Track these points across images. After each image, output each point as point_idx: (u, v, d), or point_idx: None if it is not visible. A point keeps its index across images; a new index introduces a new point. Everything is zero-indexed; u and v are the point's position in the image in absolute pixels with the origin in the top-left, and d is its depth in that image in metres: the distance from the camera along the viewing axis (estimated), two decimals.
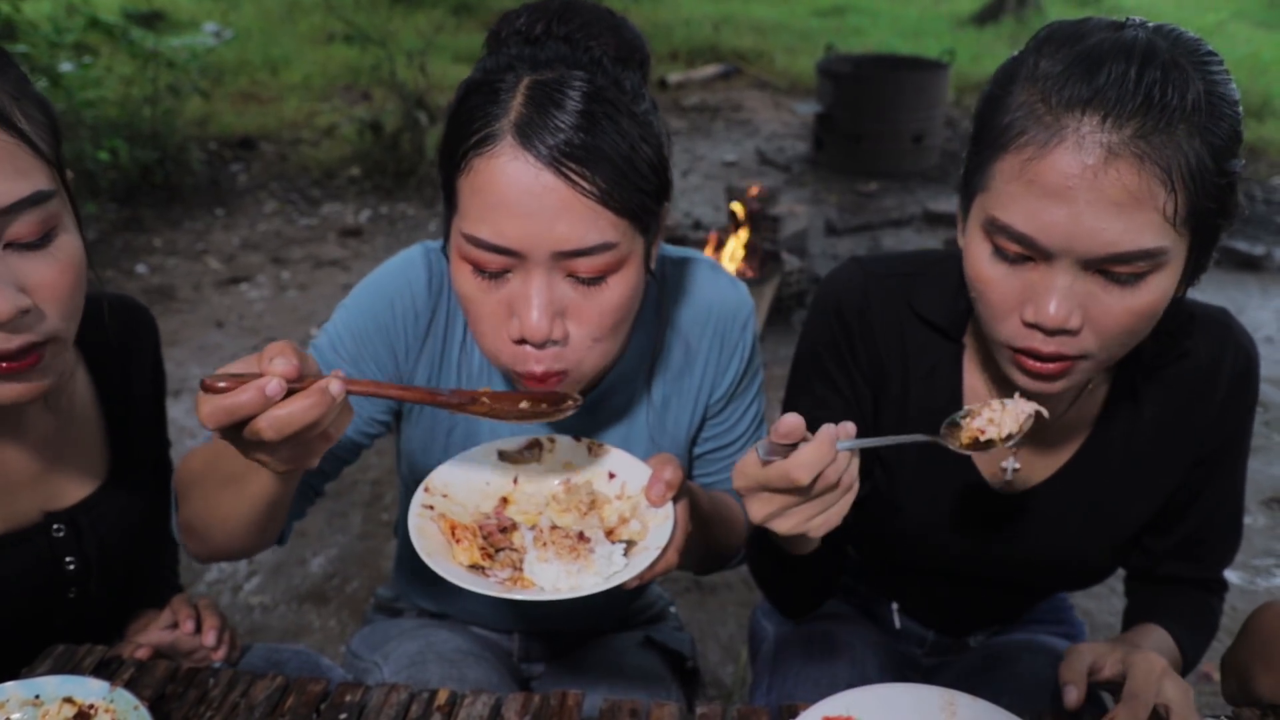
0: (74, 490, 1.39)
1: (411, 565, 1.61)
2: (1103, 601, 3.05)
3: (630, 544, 1.17)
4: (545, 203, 1.09)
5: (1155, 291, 1.05)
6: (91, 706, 1.09)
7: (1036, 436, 1.33)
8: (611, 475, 1.25)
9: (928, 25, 11.62)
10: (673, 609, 1.81)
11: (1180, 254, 1.05)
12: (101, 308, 1.45)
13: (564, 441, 1.27)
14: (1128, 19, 1.07)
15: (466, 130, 1.13)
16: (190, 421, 4.00)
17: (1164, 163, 0.98)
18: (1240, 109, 1.04)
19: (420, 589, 1.64)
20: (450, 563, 1.11)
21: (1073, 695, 1.18)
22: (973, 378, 1.34)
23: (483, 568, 1.13)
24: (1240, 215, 1.08)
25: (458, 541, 1.15)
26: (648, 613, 1.77)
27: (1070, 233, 1.01)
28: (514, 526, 1.20)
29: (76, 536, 1.38)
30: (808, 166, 7.39)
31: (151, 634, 1.43)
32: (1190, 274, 1.09)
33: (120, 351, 1.47)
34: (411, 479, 1.46)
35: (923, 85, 7.02)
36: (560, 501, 1.24)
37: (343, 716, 1.18)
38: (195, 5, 10.82)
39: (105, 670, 1.25)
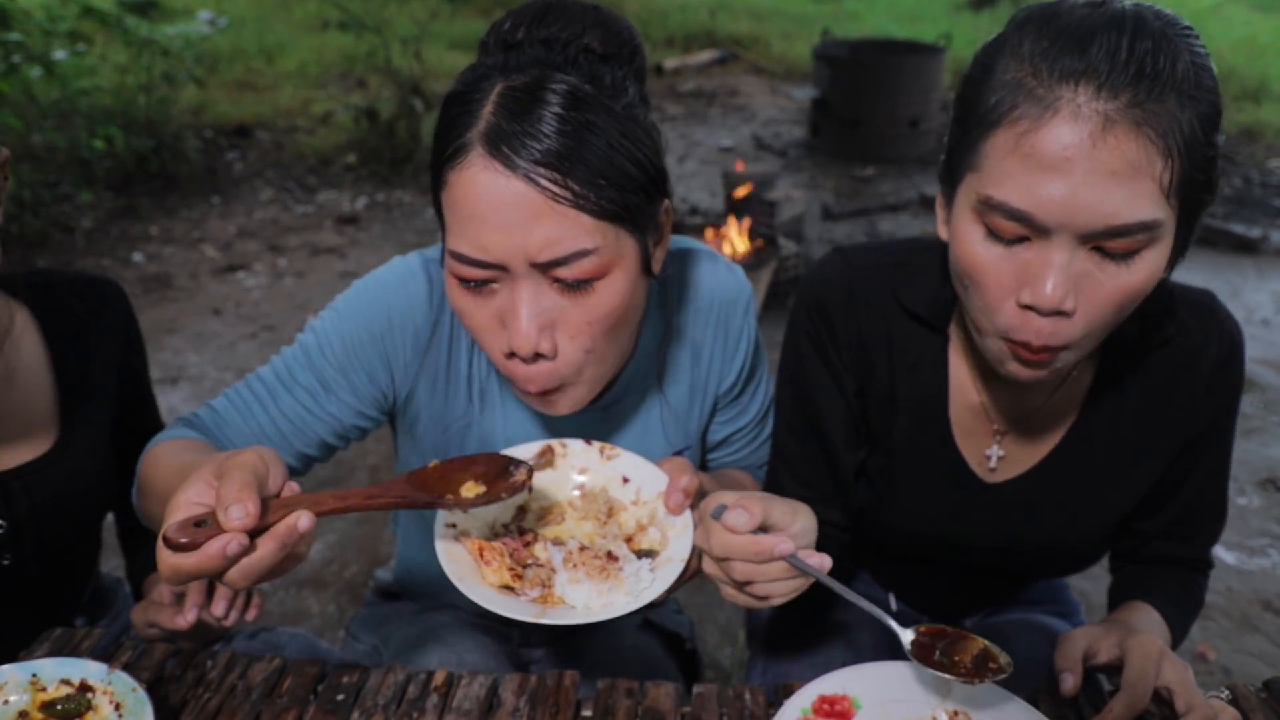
0: (10, 455, 1.41)
1: (413, 564, 1.61)
2: (1099, 582, 3.04)
3: (651, 553, 1.19)
4: (518, 212, 1.06)
5: (1148, 269, 1.04)
6: (89, 688, 1.09)
7: (1021, 425, 1.33)
8: (625, 480, 1.26)
9: (924, 10, 11.59)
10: None
11: (1171, 229, 1.04)
12: (66, 283, 1.49)
13: (575, 446, 1.28)
14: None
15: (442, 145, 1.12)
16: (187, 409, 3.98)
17: (1161, 129, 0.97)
18: (1217, 82, 1.03)
19: (423, 585, 1.63)
20: (481, 584, 1.11)
21: (1069, 682, 1.18)
22: (958, 369, 1.34)
23: (512, 588, 1.13)
24: (1220, 192, 1.07)
25: (486, 563, 1.15)
26: None
27: (1069, 206, 0.99)
28: (535, 538, 1.20)
29: (5, 500, 1.39)
30: (804, 152, 7.38)
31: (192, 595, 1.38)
32: (1176, 253, 1.08)
33: (81, 325, 1.50)
34: None
35: (919, 70, 7.00)
36: (578, 509, 1.24)
37: (340, 697, 1.19)
38: None
39: (103, 652, 1.26)
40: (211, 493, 0.93)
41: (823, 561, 1.07)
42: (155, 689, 1.18)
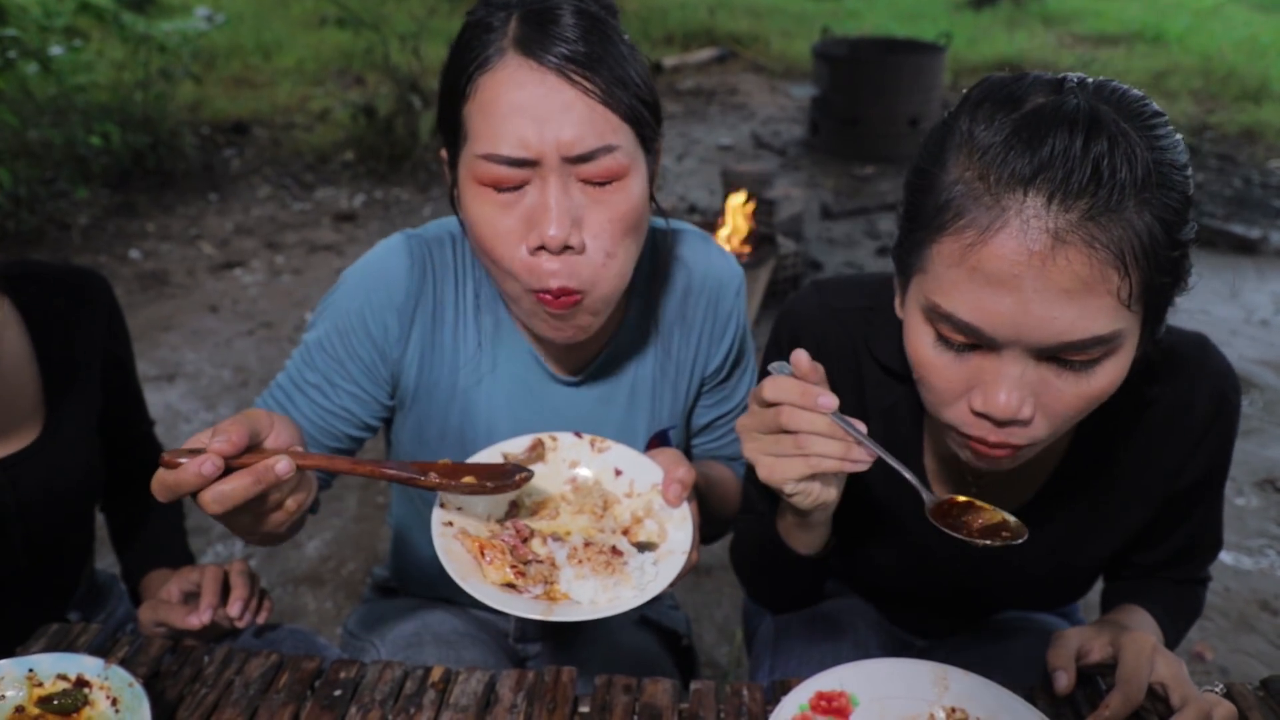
0: None
1: (408, 558, 1.62)
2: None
3: (649, 546, 1.19)
4: (552, 104, 1.14)
5: (1110, 374, 1.01)
6: (86, 683, 1.09)
7: (996, 478, 1.30)
8: (618, 472, 1.26)
9: (924, 8, 11.59)
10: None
11: (1135, 332, 1.00)
12: (48, 275, 1.49)
13: (566, 439, 1.28)
14: (1066, 77, 0.99)
15: (467, 59, 1.18)
16: (185, 406, 4.00)
17: (1116, 246, 0.92)
18: (1190, 171, 0.98)
19: (418, 579, 1.64)
20: (483, 583, 1.12)
21: (1062, 680, 1.18)
22: (932, 418, 1.28)
23: (515, 586, 1.13)
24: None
25: (488, 561, 1.15)
26: None
27: (1018, 322, 0.95)
28: (532, 534, 1.20)
29: None
30: (803, 150, 7.38)
31: (207, 594, 1.40)
32: (1145, 343, 1.04)
33: (64, 316, 1.50)
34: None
35: (919, 69, 7.00)
36: (571, 503, 1.24)
37: (337, 693, 1.18)
38: None
39: (100, 647, 1.26)
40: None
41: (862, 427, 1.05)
42: (152, 684, 1.18)
